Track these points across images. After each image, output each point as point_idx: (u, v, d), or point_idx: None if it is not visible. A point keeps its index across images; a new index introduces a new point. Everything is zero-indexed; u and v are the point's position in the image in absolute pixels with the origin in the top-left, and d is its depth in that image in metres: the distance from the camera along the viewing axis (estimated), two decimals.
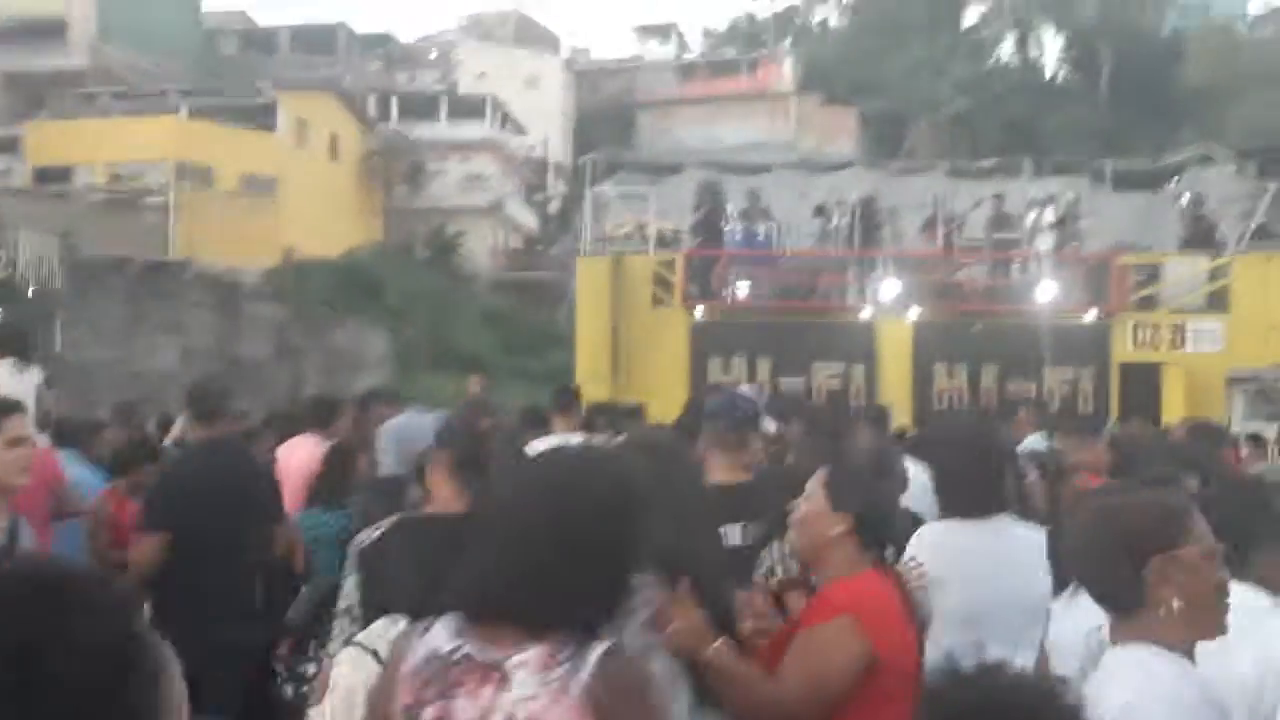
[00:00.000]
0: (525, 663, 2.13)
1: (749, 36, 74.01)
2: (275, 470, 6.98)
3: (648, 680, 2.14)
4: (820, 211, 19.76)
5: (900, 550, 3.97)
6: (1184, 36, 61.57)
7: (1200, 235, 18.91)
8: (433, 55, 65.56)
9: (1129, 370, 17.96)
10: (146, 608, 4.31)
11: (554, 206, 56.76)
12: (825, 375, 18.62)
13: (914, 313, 18.59)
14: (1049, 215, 18.60)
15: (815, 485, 3.34)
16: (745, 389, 4.86)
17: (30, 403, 5.79)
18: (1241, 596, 2.47)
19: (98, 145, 38.98)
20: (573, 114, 64.92)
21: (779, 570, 3.83)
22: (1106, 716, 2.02)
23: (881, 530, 3.32)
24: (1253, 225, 18.57)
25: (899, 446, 7.15)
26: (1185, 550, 2.24)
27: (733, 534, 4.09)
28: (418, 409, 8.27)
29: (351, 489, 6.69)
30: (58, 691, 1.10)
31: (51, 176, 37.96)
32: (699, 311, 18.92)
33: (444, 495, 3.81)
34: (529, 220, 56.70)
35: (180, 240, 35.45)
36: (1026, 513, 6.14)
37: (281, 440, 8.54)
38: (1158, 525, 2.29)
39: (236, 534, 5.37)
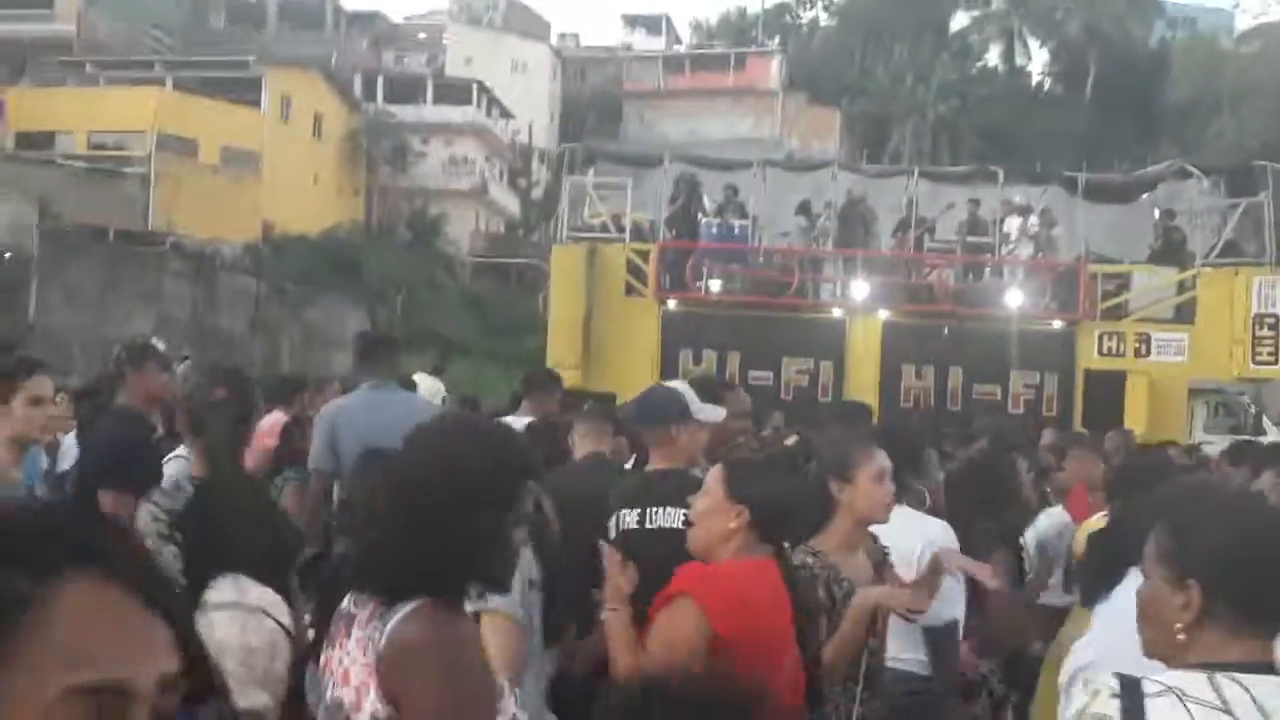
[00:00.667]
0: (359, 620, 2.31)
1: (738, 31, 74.00)
2: None
3: (436, 642, 2.20)
4: (804, 209, 19.88)
5: None
6: (1170, 49, 61.92)
7: (1171, 248, 19.13)
8: (421, 36, 65.44)
9: (1094, 377, 18.18)
10: None
11: (537, 192, 56.71)
12: (794, 371, 18.75)
13: (884, 313, 18.76)
14: (1033, 222, 18.78)
15: (713, 478, 3.45)
16: (674, 383, 4.82)
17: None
18: None
19: (80, 113, 38.88)
20: (559, 101, 64.90)
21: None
22: None
23: (781, 522, 3.39)
24: (1221, 240, 18.80)
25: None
26: None
27: (669, 517, 4.20)
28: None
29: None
30: None
31: (33, 143, 37.80)
32: (671, 303, 19.06)
33: None
34: (512, 205, 56.71)
35: (160, 211, 35.45)
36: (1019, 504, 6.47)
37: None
38: None
39: None
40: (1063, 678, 3.08)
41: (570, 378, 17.58)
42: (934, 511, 5.25)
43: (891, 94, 61.06)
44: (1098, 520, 5.38)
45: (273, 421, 7.79)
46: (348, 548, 2.58)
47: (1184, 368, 18.22)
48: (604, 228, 19.99)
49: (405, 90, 53.10)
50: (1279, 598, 2.16)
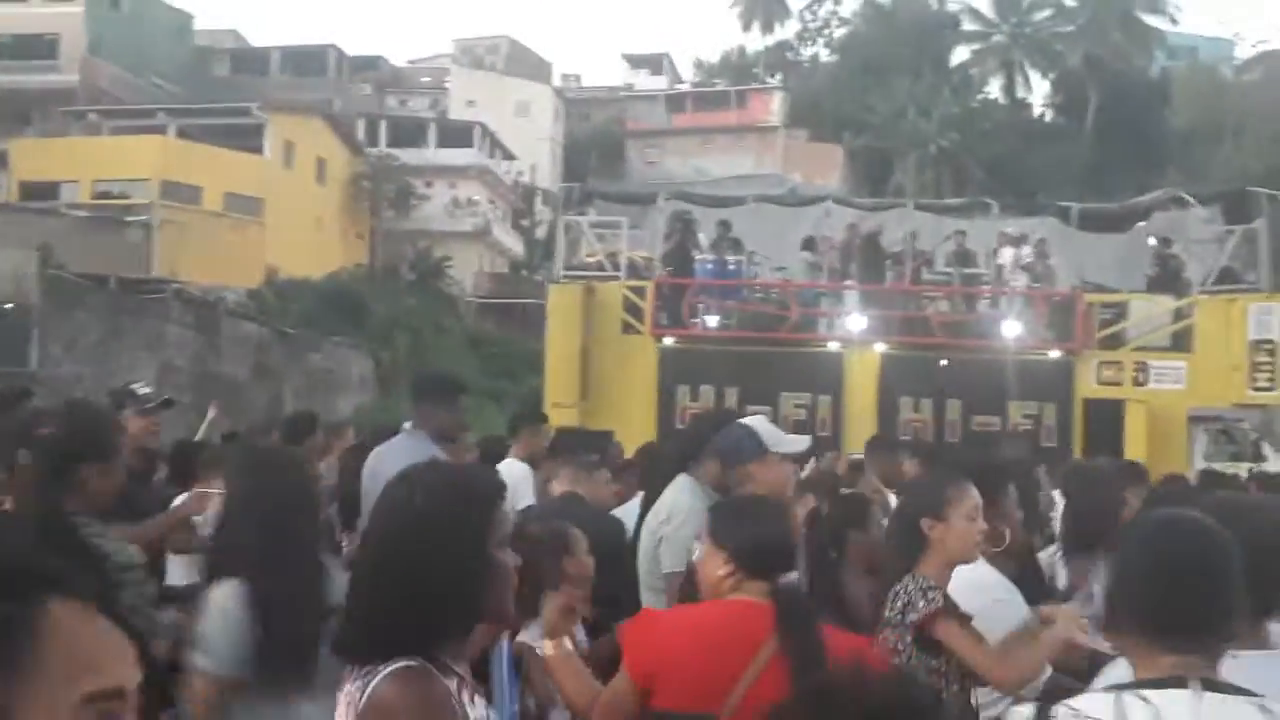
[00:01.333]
0: (347, 675, 2.32)
1: (739, 69, 74.52)
2: None
3: (410, 705, 2.20)
4: (809, 245, 19.90)
5: None
6: (1171, 79, 62.12)
7: (1167, 276, 19.11)
8: (424, 80, 65.98)
9: (1092, 406, 18.11)
10: None
11: (541, 232, 57.00)
12: (792, 405, 18.69)
13: (881, 346, 18.75)
14: (1026, 252, 18.79)
15: (705, 523, 3.47)
16: (751, 419, 4.88)
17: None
18: None
19: (84, 162, 39.19)
20: (562, 141, 65.31)
21: (920, 604, 3.74)
22: None
23: (762, 559, 3.28)
24: (1217, 268, 18.78)
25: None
26: None
27: None
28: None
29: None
30: None
31: (37, 193, 38.07)
32: (668, 340, 19.06)
33: None
34: (515, 245, 57.01)
35: (163, 258, 35.62)
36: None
37: None
38: None
39: None
40: None
41: (568, 415, 17.67)
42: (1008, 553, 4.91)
43: (893, 128, 61.33)
44: None
45: None
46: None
47: (1183, 395, 18.13)
48: (600, 266, 20.07)
49: (408, 133, 53.52)
50: (1179, 611, 2.15)
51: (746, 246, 19.80)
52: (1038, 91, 70.31)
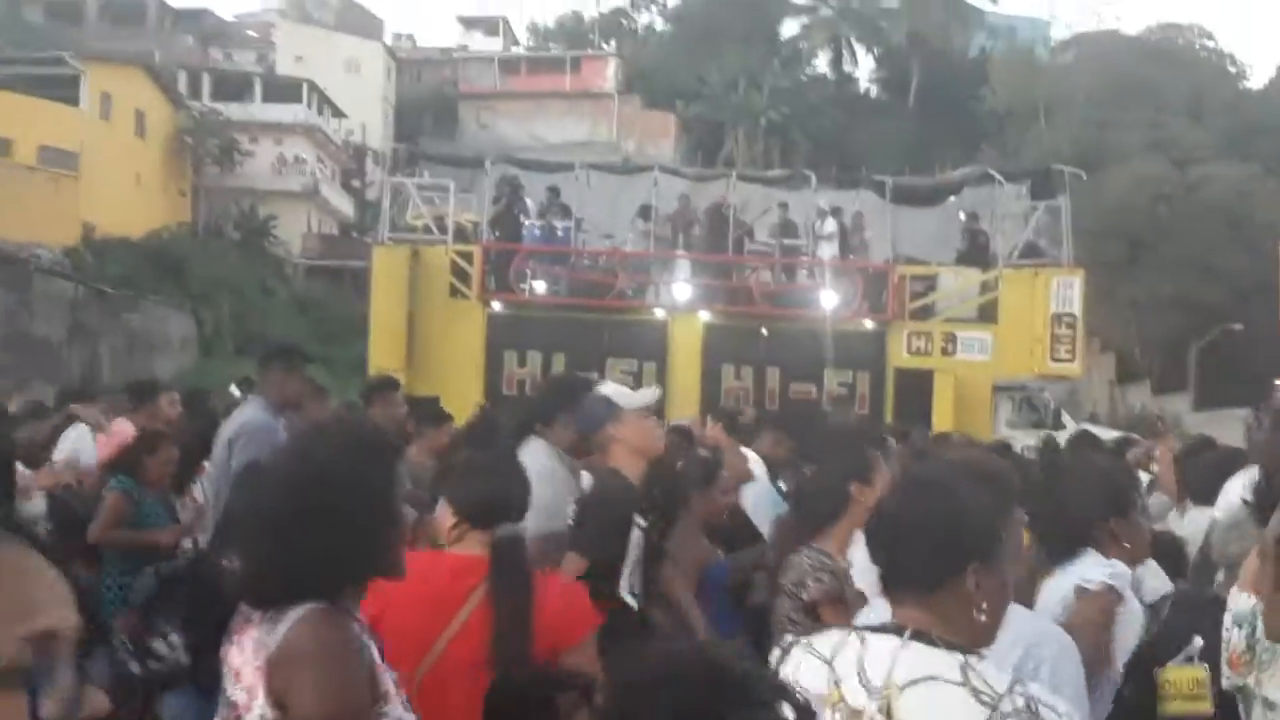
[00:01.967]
0: (254, 620, 2.41)
1: (574, 35, 74.27)
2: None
3: (320, 647, 2.29)
4: (644, 213, 20.12)
5: None
6: (989, 58, 64.03)
7: (976, 250, 19.90)
8: (251, 34, 64.15)
9: (903, 375, 18.84)
10: None
11: (372, 193, 56.10)
12: (619, 371, 18.86)
13: (705, 314, 19.14)
14: (830, 224, 19.33)
15: None
16: (602, 386, 5.02)
17: None
18: None
19: None
20: (394, 101, 64.30)
21: (809, 583, 3.82)
22: None
23: (484, 511, 3.29)
24: (1021, 242, 19.64)
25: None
26: None
27: None
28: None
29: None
30: None
31: None
32: (495, 305, 19.14)
33: None
34: (345, 206, 56.00)
35: None
36: None
37: (69, 420, 8.75)
38: None
39: None
40: None
41: None
42: None
43: (725, 99, 61.96)
44: None
45: (119, 431, 7.65)
46: (233, 561, 2.65)
47: (988, 366, 18.98)
48: (427, 229, 19.96)
49: (233, 88, 52.04)
50: (901, 563, 2.35)
51: (575, 213, 19.95)
52: (864, 67, 71.86)
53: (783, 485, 7.24)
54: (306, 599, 2.35)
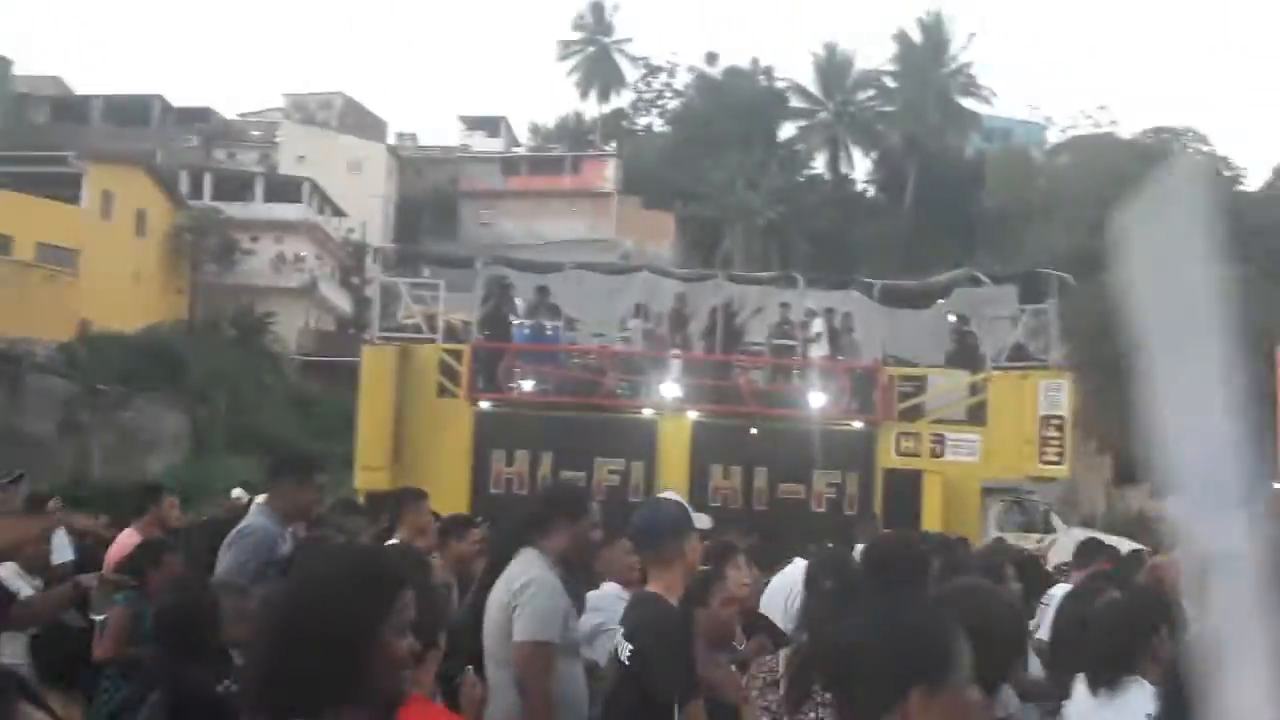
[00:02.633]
0: None
1: (575, 135, 75.28)
2: None
3: None
4: (641, 312, 20.19)
5: None
6: (985, 160, 64.85)
7: (965, 352, 19.96)
8: (254, 134, 65.02)
9: (892, 476, 18.74)
10: None
11: (370, 290, 56.38)
12: (606, 470, 18.87)
13: (694, 413, 19.11)
14: (818, 326, 19.39)
15: None
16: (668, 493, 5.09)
17: None
18: None
19: None
20: (395, 199, 64.95)
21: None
22: None
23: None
24: (1009, 345, 19.68)
25: None
26: None
27: None
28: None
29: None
30: None
31: None
32: (484, 404, 19.12)
33: None
34: (344, 303, 56.27)
35: None
36: None
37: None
38: None
39: None
40: None
41: (377, 479, 17.60)
42: None
43: (722, 199, 62.64)
44: None
45: (122, 544, 7.57)
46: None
47: (976, 467, 18.89)
48: (417, 329, 20.04)
49: (235, 187, 52.61)
50: (846, 691, 2.39)
51: (564, 312, 20.02)
52: (860, 168, 72.78)
53: None
54: (295, 716, 2.38)
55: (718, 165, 63.20)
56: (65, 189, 41.07)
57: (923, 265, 42.51)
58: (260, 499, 6.69)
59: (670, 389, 19.23)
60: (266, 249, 51.70)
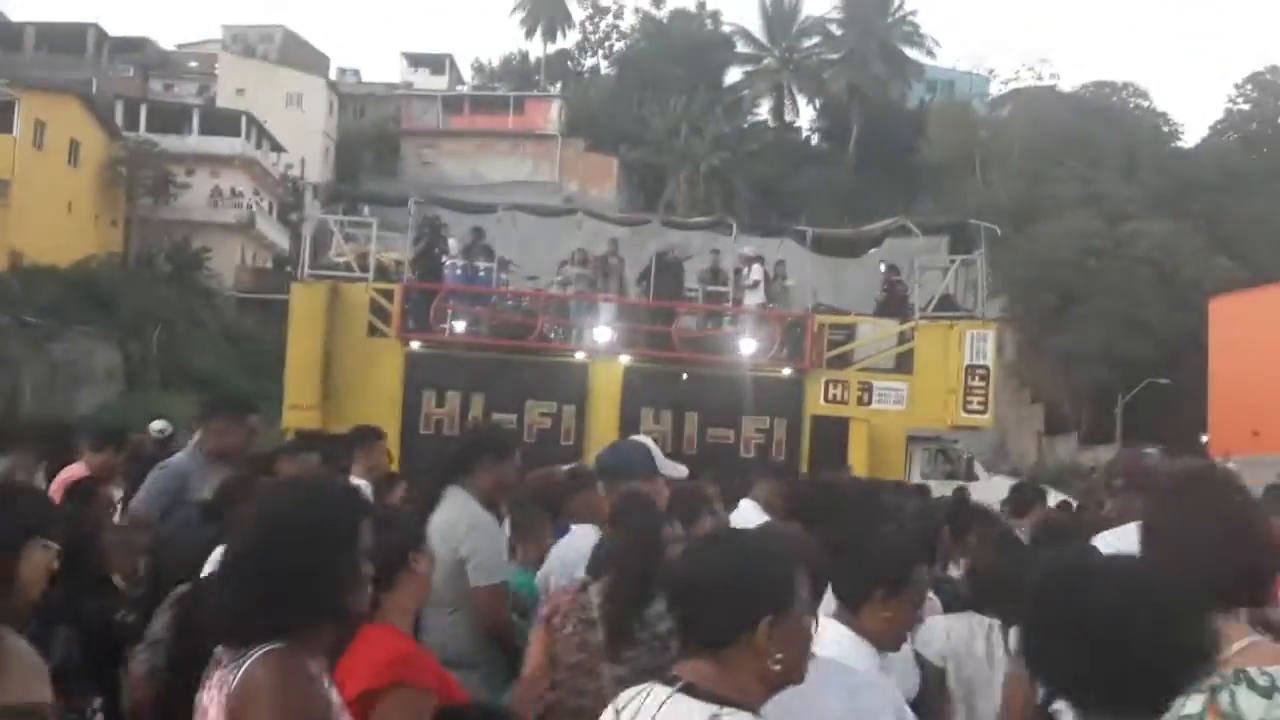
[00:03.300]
0: (220, 663, 2.55)
1: (520, 75, 74.60)
2: None
3: (279, 685, 2.42)
4: (580, 257, 20.17)
5: None
6: (927, 111, 65.08)
7: (894, 301, 20.12)
8: (192, 65, 63.87)
9: (819, 423, 18.92)
10: None
11: (304, 228, 55.80)
12: (537, 414, 18.91)
13: (625, 358, 19.17)
14: (756, 273, 19.47)
15: None
16: (640, 438, 5.20)
17: None
18: None
19: None
20: (335, 136, 64.18)
21: None
22: None
23: None
24: (937, 295, 19.88)
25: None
26: None
27: None
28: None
29: None
30: None
31: None
32: (414, 344, 19.05)
33: None
34: (282, 240, 55.65)
35: None
36: None
37: None
38: None
39: None
40: None
41: (307, 418, 17.51)
42: None
43: (667, 144, 62.51)
44: None
45: (66, 477, 7.51)
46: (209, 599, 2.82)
47: (902, 415, 19.12)
48: (349, 267, 19.89)
49: (171, 120, 51.72)
50: (693, 621, 2.48)
51: (501, 255, 19.96)
52: (804, 116, 72.78)
53: None
54: (268, 640, 2.47)
55: (662, 110, 63.01)
56: None
57: (864, 214, 42.58)
58: (195, 438, 6.72)
59: (602, 333, 19.26)
60: (203, 183, 50.97)
